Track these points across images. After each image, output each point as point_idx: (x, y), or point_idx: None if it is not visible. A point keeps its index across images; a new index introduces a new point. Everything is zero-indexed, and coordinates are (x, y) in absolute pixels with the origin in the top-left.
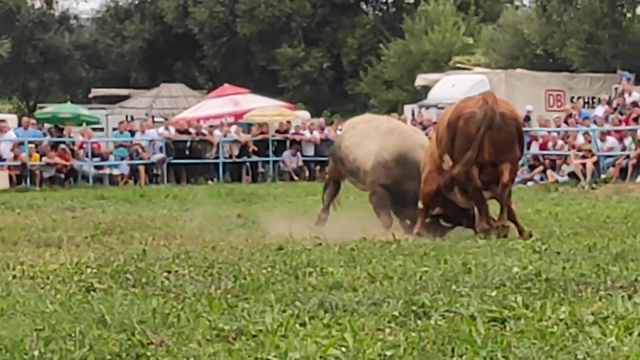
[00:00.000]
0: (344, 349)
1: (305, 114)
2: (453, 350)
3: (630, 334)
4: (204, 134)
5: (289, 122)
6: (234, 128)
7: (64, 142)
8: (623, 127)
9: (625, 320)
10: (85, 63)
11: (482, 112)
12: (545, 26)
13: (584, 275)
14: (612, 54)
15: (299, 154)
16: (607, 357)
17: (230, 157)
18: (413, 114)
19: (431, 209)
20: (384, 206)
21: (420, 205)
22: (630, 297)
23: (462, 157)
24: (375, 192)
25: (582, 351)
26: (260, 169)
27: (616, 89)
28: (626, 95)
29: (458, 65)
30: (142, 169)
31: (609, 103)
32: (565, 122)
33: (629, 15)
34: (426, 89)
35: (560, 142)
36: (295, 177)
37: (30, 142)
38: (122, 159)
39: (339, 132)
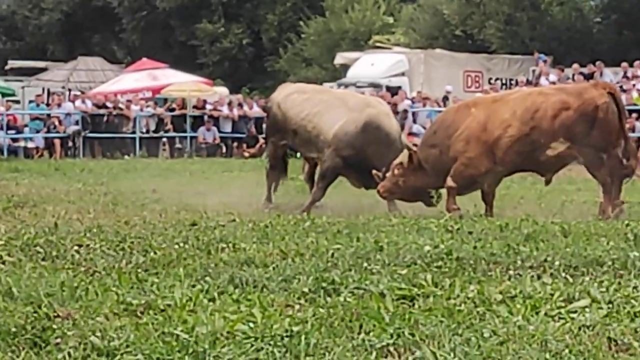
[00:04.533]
0: (251, 325)
1: (223, 90)
2: (361, 326)
3: (537, 313)
4: (120, 108)
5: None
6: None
7: None
8: None
9: (533, 300)
10: (2, 35)
11: (612, 101)
12: (465, 7)
13: (494, 254)
14: (530, 36)
15: (214, 129)
16: (513, 335)
17: (147, 131)
18: None
19: (463, 192)
20: (329, 178)
21: (451, 183)
22: (539, 277)
23: (611, 146)
24: (331, 160)
25: (489, 329)
26: (177, 145)
27: (534, 71)
28: (543, 77)
29: (377, 44)
30: (57, 142)
31: (526, 85)
32: None
33: None
34: (345, 67)
35: None
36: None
37: None
38: (38, 131)
39: (256, 109)
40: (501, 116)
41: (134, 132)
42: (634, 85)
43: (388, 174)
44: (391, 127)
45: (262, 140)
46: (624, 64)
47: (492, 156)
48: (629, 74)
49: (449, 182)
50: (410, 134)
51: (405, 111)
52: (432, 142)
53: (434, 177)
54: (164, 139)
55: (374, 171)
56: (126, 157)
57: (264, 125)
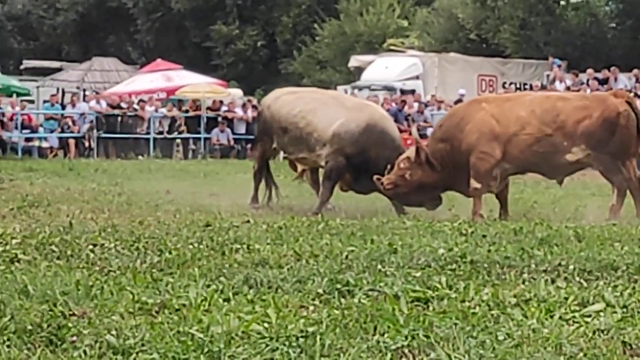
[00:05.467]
0: (266, 325)
1: (238, 92)
2: (375, 328)
3: (552, 317)
4: (135, 109)
5: (221, 101)
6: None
7: None
8: None
9: (547, 303)
10: (17, 34)
11: (632, 110)
12: (480, 11)
13: (508, 258)
14: (544, 40)
15: (228, 130)
16: (527, 338)
17: (161, 132)
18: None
19: (488, 189)
20: (336, 178)
21: (476, 184)
22: (553, 281)
23: (627, 152)
24: (335, 160)
25: (503, 332)
26: (192, 146)
27: (548, 75)
28: (557, 82)
29: (392, 47)
30: (72, 142)
31: (541, 89)
32: None
33: (562, 2)
34: (359, 70)
35: None
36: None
37: None
38: (52, 131)
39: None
40: (517, 113)
41: (148, 133)
42: None
43: (394, 169)
44: (394, 130)
45: None
46: (635, 71)
47: (501, 152)
48: None
49: (473, 184)
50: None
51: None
52: (441, 136)
53: (442, 172)
54: (178, 140)
55: (375, 176)
56: (140, 157)
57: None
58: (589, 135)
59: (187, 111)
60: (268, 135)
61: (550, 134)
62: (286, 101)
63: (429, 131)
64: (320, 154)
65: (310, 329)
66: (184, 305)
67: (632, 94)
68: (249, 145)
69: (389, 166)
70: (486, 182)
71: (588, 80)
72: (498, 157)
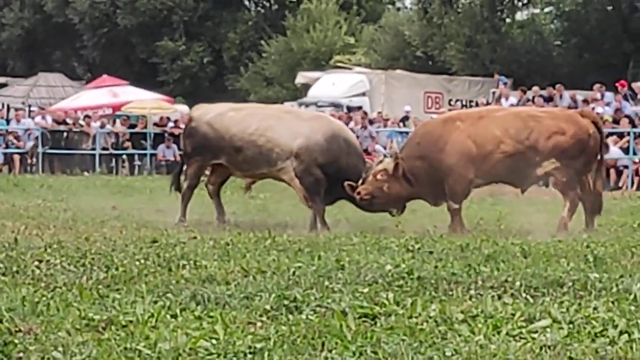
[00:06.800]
0: (214, 341)
1: (184, 108)
2: (323, 344)
3: (499, 333)
4: (81, 125)
5: (168, 117)
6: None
7: None
8: None
9: (494, 319)
10: None
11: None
12: (426, 28)
13: (455, 274)
14: (490, 58)
15: (174, 146)
16: (475, 354)
17: (107, 148)
18: None
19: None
20: (319, 190)
21: (454, 205)
22: (499, 297)
23: (588, 168)
24: (310, 174)
25: (451, 348)
26: (137, 162)
27: (494, 93)
28: (503, 99)
29: (338, 64)
30: (16, 158)
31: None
32: None
33: (508, 20)
34: (306, 87)
35: None
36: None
37: None
38: None
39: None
40: (492, 132)
41: (93, 149)
42: (593, 108)
43: (369, 179)
44: (354, 138)
45: None
46: (572, 92)
47: (475, 171)
48: (588, 98)
49: (451, 205)
50: (368, 153)
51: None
52: (418, 154)
53: (417, 186)
54: (124, 156)
55: (347, 183)
56: (85, 173)
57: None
58: (561, 151)
59: (134, 126)
60: (210, 152)
61: (523, 151)
62: (235, 119)
63: (377, 147)
64: (282, 168)
65: (258, 345)
66: (130, 321)
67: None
68: None
69: (363, 176)
70: (462, 201)
71: (534, 98)
72: (472, 177)
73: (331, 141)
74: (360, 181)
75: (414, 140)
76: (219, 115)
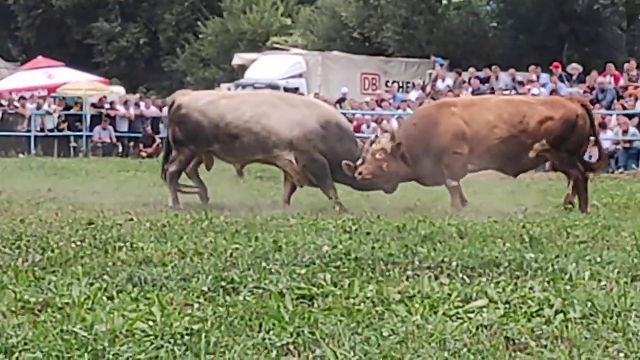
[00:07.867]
0: (151, 323)
1: (120, 89)
2: (260, 325)
3: (435, 313)
4: (15, 106)
5: (105, 97)
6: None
7: None
8: None
9: (431, 300)
10: None
11: (587, 113)
12: (363, 9)
13: (392, 255)
14: (427, 39)
15: (110, 128)
16: (412, 334)
17: (42, 130)
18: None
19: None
20: (326, 173)
21: (453, 183)
22: (436, 278)
23: (583, 148)
24: (314, 161)
25: (388, 328)
26: (73, 144)
27: (430, 74)
28: (439, 80)
29: (275, 45)
30: None
31: (423, 88)
32: (379, 105)
33: (444, 2)
34: (243, 68)
35: (373, 125)
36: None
37: None
38: None
39: (153, 109)
40: (486, 117)
41: (29, 131)
42: (529, 90)
43: (368, 158)
44: (347, 122)
45: (158, 140)
46: (511, 70)
47: (469, 150)
48: (524, 80)
49: (450, 183)
50: None
51: None
52: (415, 135)
53: (413, 167)
54: (59, 138)
55: (344, 162)
56: (21, 155)
57: (162, 127)
58: (551, 133)
59: (70, 108)
60: (204, 139)
61: (516, 135)
62: (229, 107)
63: None
64: (278, 155)
65: (195, 327)
66: (67, 303)
67: (510, 92)
68: (131, 144)
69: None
70: (461, 178)
71: (470, 79)
72: (467, 154)
73: (326, 127)
74: (360, 161)
75: (412, 123)
76: (209, 102)
